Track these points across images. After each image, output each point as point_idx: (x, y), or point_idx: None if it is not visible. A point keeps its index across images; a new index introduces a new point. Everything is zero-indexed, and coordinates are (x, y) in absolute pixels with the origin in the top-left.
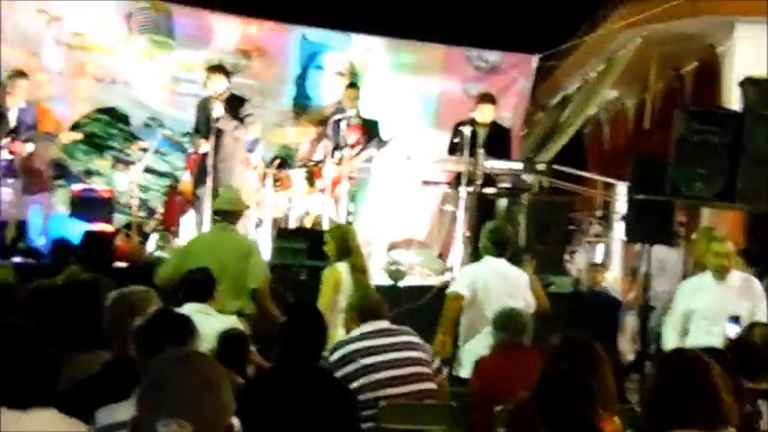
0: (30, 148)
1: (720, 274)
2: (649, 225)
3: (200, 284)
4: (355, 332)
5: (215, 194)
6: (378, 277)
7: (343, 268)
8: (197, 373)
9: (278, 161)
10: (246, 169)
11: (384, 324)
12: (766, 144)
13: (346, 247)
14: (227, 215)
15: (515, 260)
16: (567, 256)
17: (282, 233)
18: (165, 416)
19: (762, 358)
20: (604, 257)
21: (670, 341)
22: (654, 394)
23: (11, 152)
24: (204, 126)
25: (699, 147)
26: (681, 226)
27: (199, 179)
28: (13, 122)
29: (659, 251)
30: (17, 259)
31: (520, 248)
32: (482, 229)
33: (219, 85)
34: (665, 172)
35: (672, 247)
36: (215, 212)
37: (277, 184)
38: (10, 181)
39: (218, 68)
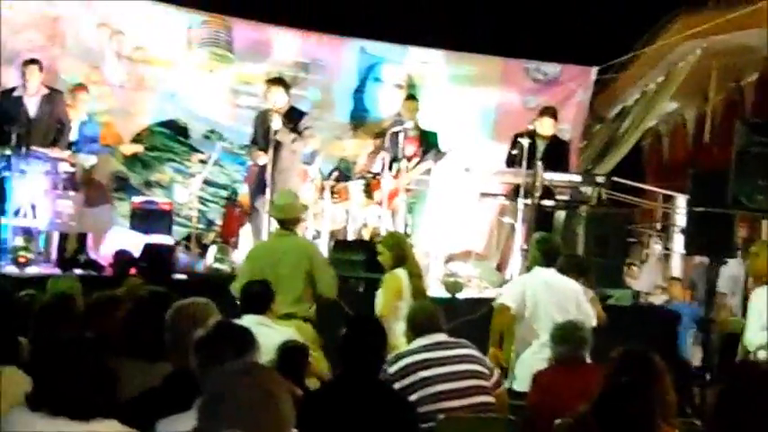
0: (91, 160)
1: None
2: (709, 238)
3: (257, 296)
4: (413, 345)
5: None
6: (435, 289)
7: (402, 275)
8: (257, 384)
9: (336, 173)
10: (304, 182)
11: (441, 337)
12: None
13: (402, 254)
14: (284, 222)
15: (568, 273)
16: (625, 269)
17: (340, 245)
18: (225, 427)
19: None
20: (664, 271)
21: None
22: (718, 408)
23: (72, 165)
24: (262, 138)
25: (760, 159)
26: (741, 239)
27: (256, 191)
28: (74, 135)
29: (731, 268)
30: (78, 271)
31: (575, 261)
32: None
33: (279, 97)
34: (725, 184)
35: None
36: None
37: (335, 196)
38: (71, 193)
39: (278, 81)
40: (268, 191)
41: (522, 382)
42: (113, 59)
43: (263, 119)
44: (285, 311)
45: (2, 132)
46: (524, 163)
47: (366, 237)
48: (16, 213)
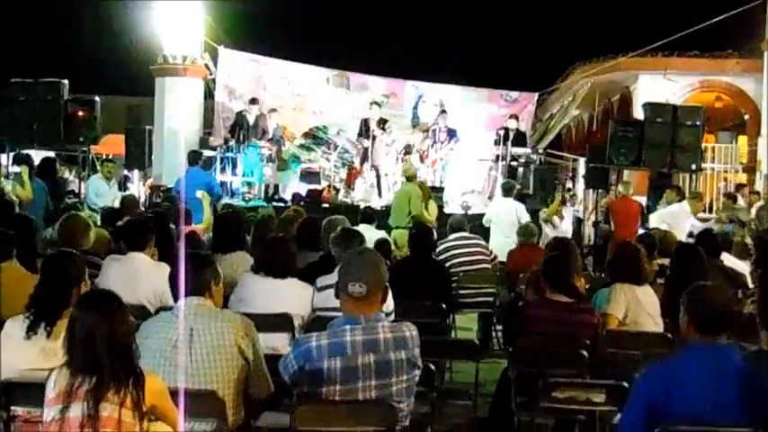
0: (287, 146)
1: None
2: (597, 180)
3: (366, 214)
4: (450, 237)
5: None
6: (457, 208)
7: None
8: (368, 257)
9: (404, 150)
10: (388, 155)
11: (464, 233)
12: None
13: (428, 193)
14: (408, 179)
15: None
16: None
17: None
18: (353, 280)
19: None
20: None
21: None
22: None
23: (269, 149)
24: (365, 133)
25: (622, 139)
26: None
27: (363, 161)
28: (269, 134)
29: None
30: (274, 204)
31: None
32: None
33: (376, 112)
34: (604, 152)
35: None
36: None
37: (404, 161)
38: (270, 164)
39: (375, 103)
40: (368, 161)
41: (501, 256)
42: (290, 95)
43: (365, 123)
44: (400, 223)
45: (236, 132)
46: (501, 143)
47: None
48: (243, 174)
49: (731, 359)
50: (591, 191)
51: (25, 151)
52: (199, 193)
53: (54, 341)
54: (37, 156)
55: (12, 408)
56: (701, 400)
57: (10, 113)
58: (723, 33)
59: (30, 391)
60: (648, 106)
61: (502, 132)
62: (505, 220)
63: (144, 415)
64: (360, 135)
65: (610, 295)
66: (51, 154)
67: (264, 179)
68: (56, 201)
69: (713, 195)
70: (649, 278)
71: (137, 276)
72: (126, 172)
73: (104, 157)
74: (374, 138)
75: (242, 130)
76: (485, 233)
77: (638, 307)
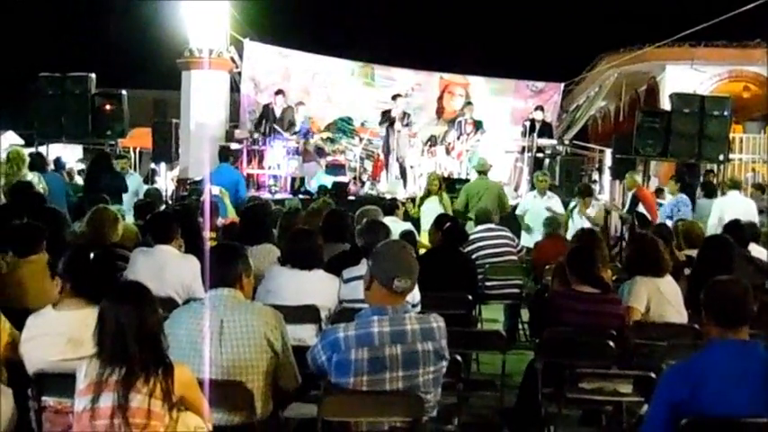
0: (313, 140)
1: None
2: (624, 171)
3: (387, 206)
4: (476, 229)
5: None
6: None
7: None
8: (411, 253)
9: (429, 143)
10: (412, 147)
11: (491, 225)
12: None
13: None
14: (480, 173)
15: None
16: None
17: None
18: (400, 275)
19: None
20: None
21: None
22: None
23: (296, 142)
24: (387, 125)
25: (649, 129)
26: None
27: (387, 154)
28: (297, 127)
29: None
30: (300, 196)
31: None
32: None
33: (401, 104)
34: (631, 142)
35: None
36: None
37: (429, 154)
38: (296, 156)
39: (399, 95)
40: (392, 153)
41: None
42: (316, 87)
43: (389, 116)
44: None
45: (262, 125)
46: (528, 134)
47: (446, 175)
48: (269, 167)
49: (755, 353)
50: (617, 182)
51: (40, 148)
52: (216, 189)
53: (84, 332)
54: (64, 150)
55: (42, 398)
56: (725, 396)
57: (38, 108)
58: (751, 23)
59: (60, 381)
60: (675, 97)
61: (528, 124)
62: (541, 214)
63: (173, 405)
64: (380, 125)
65: (631, 288)
66: (79, 148)
67: (290, 171)
68: (115, 196)
69: (741, 186)
70: (669, 268)
71: (164, 268)
72: (153, 165)
73: (118, 153)
74: (396, 130)
75: (268, 122)
76: (510, 225)
77: (660, 299)
